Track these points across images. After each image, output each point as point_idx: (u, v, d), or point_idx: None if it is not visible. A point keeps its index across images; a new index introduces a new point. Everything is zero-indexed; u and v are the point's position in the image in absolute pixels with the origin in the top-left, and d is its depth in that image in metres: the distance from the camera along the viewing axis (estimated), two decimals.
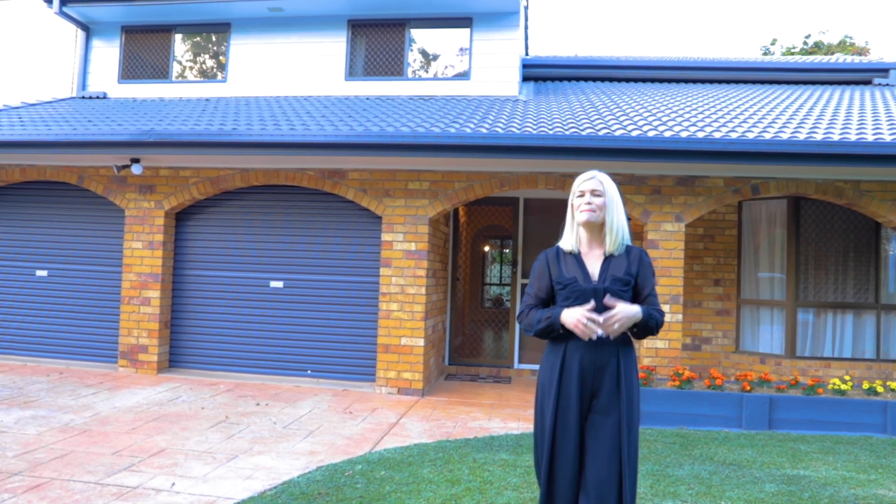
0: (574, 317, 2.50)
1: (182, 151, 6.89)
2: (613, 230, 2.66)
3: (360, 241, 7.52)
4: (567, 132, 6.37)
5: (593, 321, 2.47)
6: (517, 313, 2.74)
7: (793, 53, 26.33)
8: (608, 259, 2.67)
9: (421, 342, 7.02)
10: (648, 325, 2.58)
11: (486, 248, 9.35)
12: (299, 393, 6.86)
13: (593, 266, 2.68)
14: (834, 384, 6.10)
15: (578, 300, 2.59)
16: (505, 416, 6.21)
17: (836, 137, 6.03)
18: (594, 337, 2.50)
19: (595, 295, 2.58)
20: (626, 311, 2.49)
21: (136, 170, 7.23)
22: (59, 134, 6.96)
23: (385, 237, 7.17)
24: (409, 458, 4.62)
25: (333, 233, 7.59)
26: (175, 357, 7.80)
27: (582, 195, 2.67)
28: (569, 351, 2.60)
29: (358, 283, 7.49)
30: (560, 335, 2.62)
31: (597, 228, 2.69)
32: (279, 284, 7.62)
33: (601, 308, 2.56)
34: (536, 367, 8.56)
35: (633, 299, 2.67)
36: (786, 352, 7.64)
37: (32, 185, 8.20)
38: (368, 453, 4.75)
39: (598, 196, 2.65)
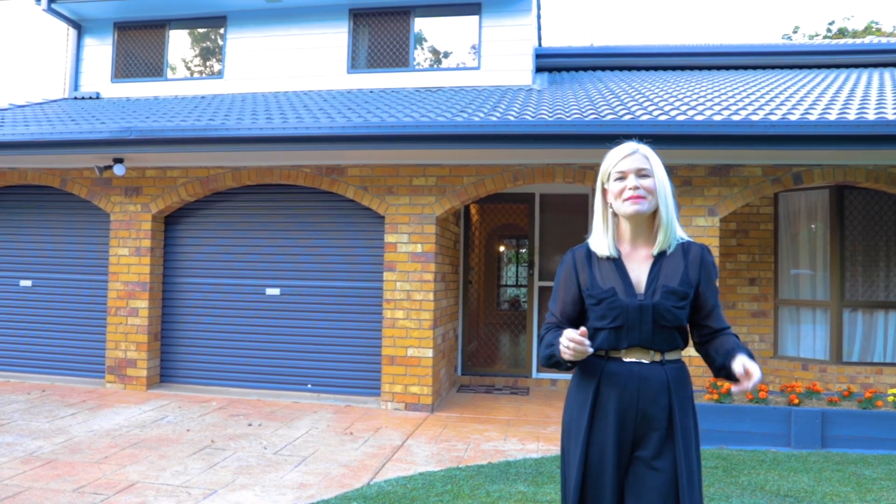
0: (565, 340, 1.85)
1: (166, 149, 6.34)
2: (667, 222, 1.98)
3: (361, 244, 6.91)
4: (587, 118, 5.74)
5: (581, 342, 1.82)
6: (539, 336, 2.09)
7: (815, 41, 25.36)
8: (658, 261, 1.99)
9: (429, 353, 6.41)
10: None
11: (501, 249, 8.72)
12: (298, 410, 6.28)
13: (638, 272, 1.99)
14: (895, 395, 5.40)
15: (619, 320, 1.93)
16: (523, 434, 5.58)
17: (891, 117, 5.35)
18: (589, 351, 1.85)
19: (641, 314, 1.92)
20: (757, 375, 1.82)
21: (118, 170, 6.69)
22: (35, 133, 6.45)
23: (388, 238, 6.57)
24: (412, 491, 4.01)
25: (332, 235, 7.00)
26: (166, 371, 7.25)
27: (623, 177, 1.98)
28: (603, 386, 1.95)
29: (360, 288, 6.88)
30: (592, 364, 1.99)
31: (644, 221, 2.01)
32: (276, 292, 7.05)
33: (653, 332, 1.91)
34: (556, 376, 7.90)
35: (690, 316, 2.02)
36: (831, 357, 6.94)
37: (13, 189, 7.70)
38: (366, 486, 4.15)
39: (646, 177, 1.97)
